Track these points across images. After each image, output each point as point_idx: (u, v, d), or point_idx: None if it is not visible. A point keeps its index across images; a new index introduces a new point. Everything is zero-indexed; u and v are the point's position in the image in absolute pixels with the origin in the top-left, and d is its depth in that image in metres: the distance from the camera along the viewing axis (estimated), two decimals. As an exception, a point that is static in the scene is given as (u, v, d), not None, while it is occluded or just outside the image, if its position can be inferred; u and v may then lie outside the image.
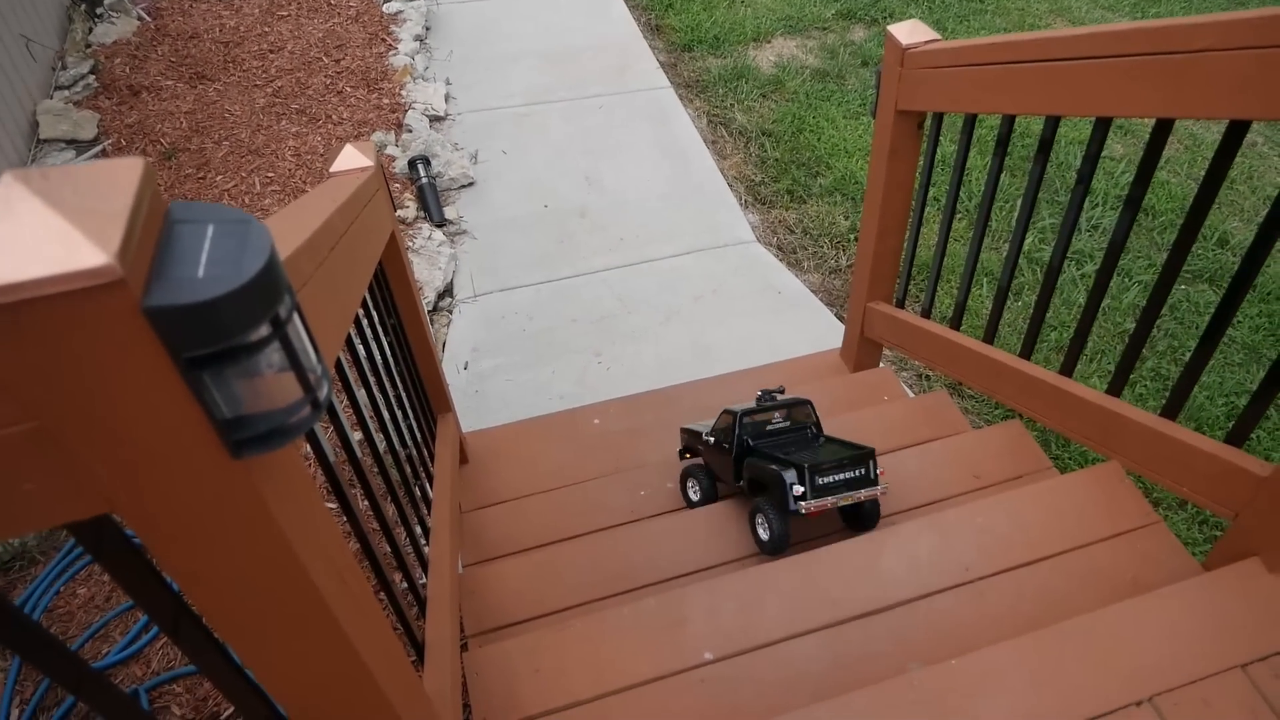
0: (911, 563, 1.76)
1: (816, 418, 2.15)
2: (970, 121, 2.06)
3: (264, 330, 0.52)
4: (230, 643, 0.70)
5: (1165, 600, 1.51)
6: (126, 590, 0.67)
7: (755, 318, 3.57)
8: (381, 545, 1.41)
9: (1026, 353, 2.08)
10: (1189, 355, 1.61)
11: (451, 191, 4.24)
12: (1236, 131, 1.40)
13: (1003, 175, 2.02)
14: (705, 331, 3.50)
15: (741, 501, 2.09)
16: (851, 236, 3.90)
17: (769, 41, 5.43)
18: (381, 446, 1.43)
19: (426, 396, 2.23)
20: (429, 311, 3.51)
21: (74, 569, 2.40)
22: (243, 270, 0.50)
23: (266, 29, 5.08)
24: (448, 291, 3.69)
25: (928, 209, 2.40)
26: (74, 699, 2.14)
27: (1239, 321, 3.44)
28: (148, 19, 5.00)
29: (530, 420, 2.88)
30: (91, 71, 4.54)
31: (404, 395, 1.85)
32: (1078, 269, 3.71)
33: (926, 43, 2.06)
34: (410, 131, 4.41)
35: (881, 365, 2.92)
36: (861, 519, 1.97)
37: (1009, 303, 3.22)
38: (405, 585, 1.50)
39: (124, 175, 0.49)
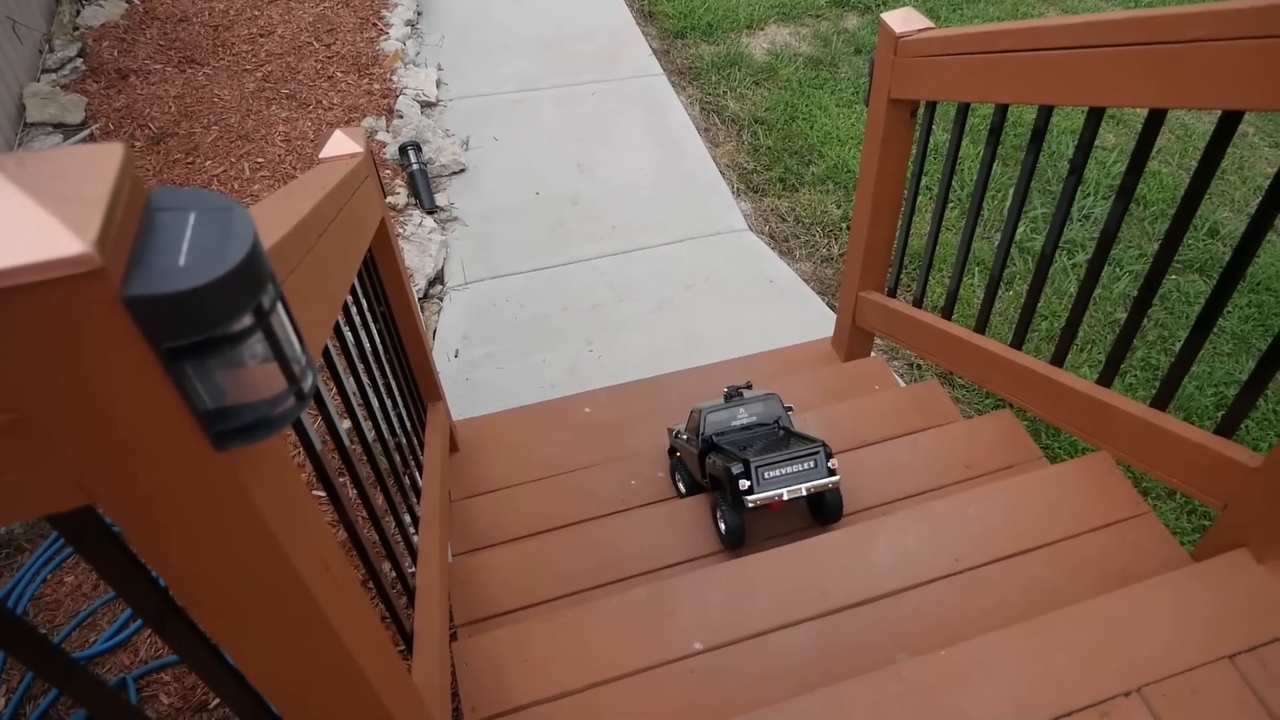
0: (901, 553, 1.76)
1: (785, 412, 2.15)
2: (963, 110, 2.06)
3: (247, 320, 0.51)
4: (214, 635, 0.69)
5: (1154, 591, 1.51)
6: (110, 583, 0.66)
7: (747, 306, 3.56)
8: (370, 534, 1.41)
9: (1018, 342, 2.08)
10: (1179, 345, 1.61)
11: (443, 178, 4.21)
12: (1229, 122, 1.40)
13: (995, 164, 2.01)
14: (697, 320, 3.50)
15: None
16: (843, 225, 3.90)
17: (762, 29, 5.41)
18: (371, 435, 1.42)
19: (416, 385, 2.22)
20: (420, 299, 3.50)
21: (61, 557, 2.39)
22: (225, 259, 0.49)
23: (256, 12, 5.03)
24: (438, 279, 3.68)
25: (920, 198, 2.40)
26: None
27: (1229, 311, 3.44)
28: (136, 2, 4.94)
29: (521, 409, 2.88)
30: (79, 55, 4.49)
31: (393, 383, 1.84)
32: (1069, 259, 3.72)
33: (920, 31, 2.05)
34: (401, 117, 4.38)
35: (873, 354, 2.92)
36: (823, 512, 1.98)
37: (1000, 292, 3.23)
38: (394, 575, 1.50)
39: (103, 161, 0.48)
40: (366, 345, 1.61)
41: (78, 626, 2.24)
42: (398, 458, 1.71)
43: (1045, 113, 1.82)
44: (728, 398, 2.15)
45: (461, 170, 4.28)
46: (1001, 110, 1.94)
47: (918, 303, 2.47)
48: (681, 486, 2.23)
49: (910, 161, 2.33)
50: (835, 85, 4.82)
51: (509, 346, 3.38)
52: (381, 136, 4.27)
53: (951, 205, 3.90)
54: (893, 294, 2.62)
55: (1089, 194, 4.05)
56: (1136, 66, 1.46)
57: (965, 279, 3.48)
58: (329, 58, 4.76)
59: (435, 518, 1.81)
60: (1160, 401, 1.71)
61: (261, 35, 4.87)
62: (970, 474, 2.10)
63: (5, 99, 3.98)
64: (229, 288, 0.49)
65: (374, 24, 5.08)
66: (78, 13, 4.80)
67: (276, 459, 0.66)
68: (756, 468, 1.84)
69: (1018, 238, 3.73)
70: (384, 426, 1.62)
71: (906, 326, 2.48)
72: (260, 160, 4.05)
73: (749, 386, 2.21)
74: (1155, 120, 1.55)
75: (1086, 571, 1.69)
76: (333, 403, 1.14)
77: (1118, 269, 3.65)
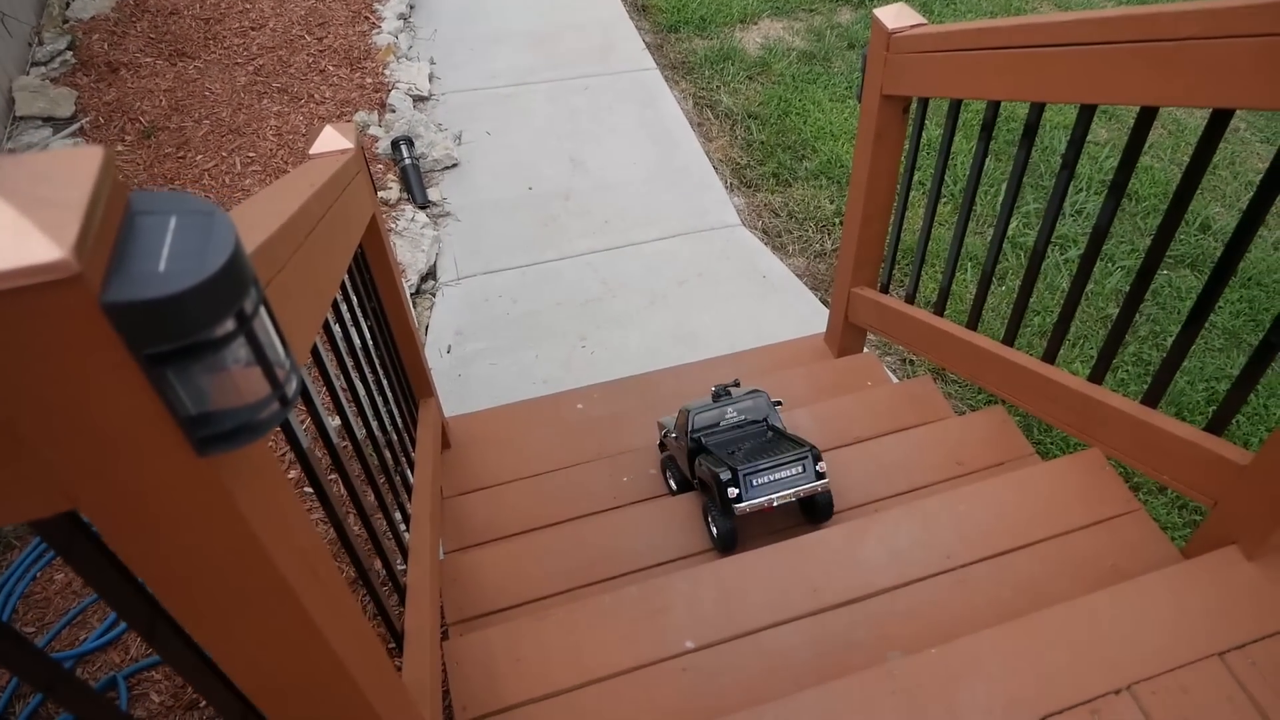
0: (893, 550, 1.76)
1: (773, 409, 2.15)
2: (955, 106, 2.05)
3: (229, 325, 0.50)
4: (199, 638, 0.69)
5: (1145, 588, 1.51)
6: (95, 588, 0.65)
7: (740, 302, 3.56)
8: (360, 532, 1.40)
9: (1010, 338, 2.08)
10: (1170, 340, 1.61)
11: (435, 173, 4.20)
12: (1220, 119, 1.40)
13: (988, 160, 2.01)
14: (690, 315, 3.49)
15: None
16: (837, 220, 3.89)
17: (755, 23, 5.40)
18: (361, 433, 1.42)
19: (408, 381, 2.21)
20: (411, 294, 3.49)
21: (50, 554, 2.38)
22: (206, 264, 0.48)
23: (248, 5, 5.00)
24: (431, 274, 3.66)
25: (912, 194, 2.39)
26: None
27: (1220, 307, 3.45)
28: (125, -5, 4.91)
29: (513, 405, 2.87)
30: (69, 48, 4.46)
31: (384, 380, 1.83)
32: (1061, 254, 3.72)
33: (912, 27, 2.05)
34: (393, 112, 4.36)
35: (866, 350, 2.92)
36: (814, 511, 1.99)
37: (993, 288, 3.23)
38: (385, 573, 1.49)
39: (82, 164, 0.47)
40: (357, 341, 1.60)
41: (68, 624, 2.23)
42: (388, 455, 1.70)
43: (1037, 109, 1.81)
44: (715, 397, 2.15)
45: (454, 165, 4.26)
46: (994, 106, 1.94)
47: (910, 298, 2.47)
48: (673, 483, 2.22)
49: (903, 157, 2.32)
50: (829, 80, 4.81)
51: (501, 342, 3.37)
52: (374, 131, 4.25)
53: (944, 201, 3.89)
54: (885, 290, 2.62)
55: (1081, 189, 4.05)
56: (1128, 64, 1.46)
57: (957, 274, 3.48)
58: (321, 51, 4.74)
59: (426, 515, 1.80)
60: (1151, 398, 1.72)
61: (253, 28, 4.84)
62: (962, 471, 2.10)
63: (-6, 92, 3.96)
64: (210, 293, 0.48)
65: (366, 17, 5.06)
66: (67, 5, 4.76)
67: (261, 463, 0.66)
68: (745, 475, 1.85)
69: (1010, 233, 3.74)
70: (374, 423, 1.61)
71: (899, 322, 2.48)
72: (252, 154, 4.02)
73: (736, 384, 2.21)
74: (1147, 116, 1.54)
75: (1077, 569, 1.69)
76: (322, 400, 1.13)
77: (1110, 264, 3.65)
